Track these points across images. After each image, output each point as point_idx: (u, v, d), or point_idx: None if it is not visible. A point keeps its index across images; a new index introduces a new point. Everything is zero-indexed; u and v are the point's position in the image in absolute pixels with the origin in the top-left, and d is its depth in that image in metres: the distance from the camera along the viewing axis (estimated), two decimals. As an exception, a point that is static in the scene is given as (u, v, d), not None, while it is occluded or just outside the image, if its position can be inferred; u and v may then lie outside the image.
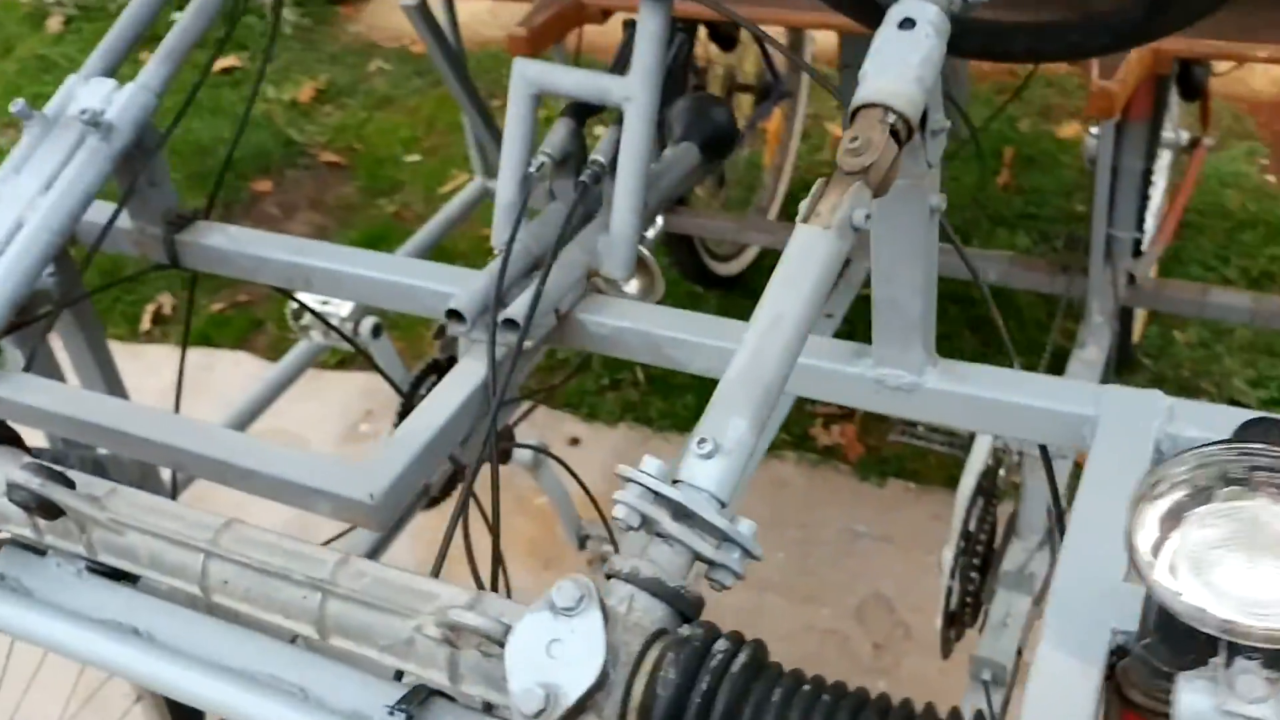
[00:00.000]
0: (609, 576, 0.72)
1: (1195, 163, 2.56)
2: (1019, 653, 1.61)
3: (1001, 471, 1.76)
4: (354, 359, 2.93)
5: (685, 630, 0.68)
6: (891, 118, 0.84)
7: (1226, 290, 2.32)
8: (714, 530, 0.73)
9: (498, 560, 1.03)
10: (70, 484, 0.80)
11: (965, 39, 0.92)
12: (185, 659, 0.81)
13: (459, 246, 3.24)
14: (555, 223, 1.19)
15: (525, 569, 2.39)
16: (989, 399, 1.02)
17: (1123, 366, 2.66)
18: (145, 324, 3.13)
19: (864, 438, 2.68)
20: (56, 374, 1.36)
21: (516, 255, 1.14)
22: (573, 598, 0.65)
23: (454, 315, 1.11)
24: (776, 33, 2.84)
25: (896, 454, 2.61)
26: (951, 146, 2.62)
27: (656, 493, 0.72)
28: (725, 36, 2.48)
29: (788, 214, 3.27)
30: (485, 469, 1.03)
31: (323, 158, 3.69)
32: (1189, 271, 2.98)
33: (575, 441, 2.75)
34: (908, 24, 0.88)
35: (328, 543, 1.62)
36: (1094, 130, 2.31)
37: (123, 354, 1.61)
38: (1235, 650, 0.60)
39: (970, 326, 2.81)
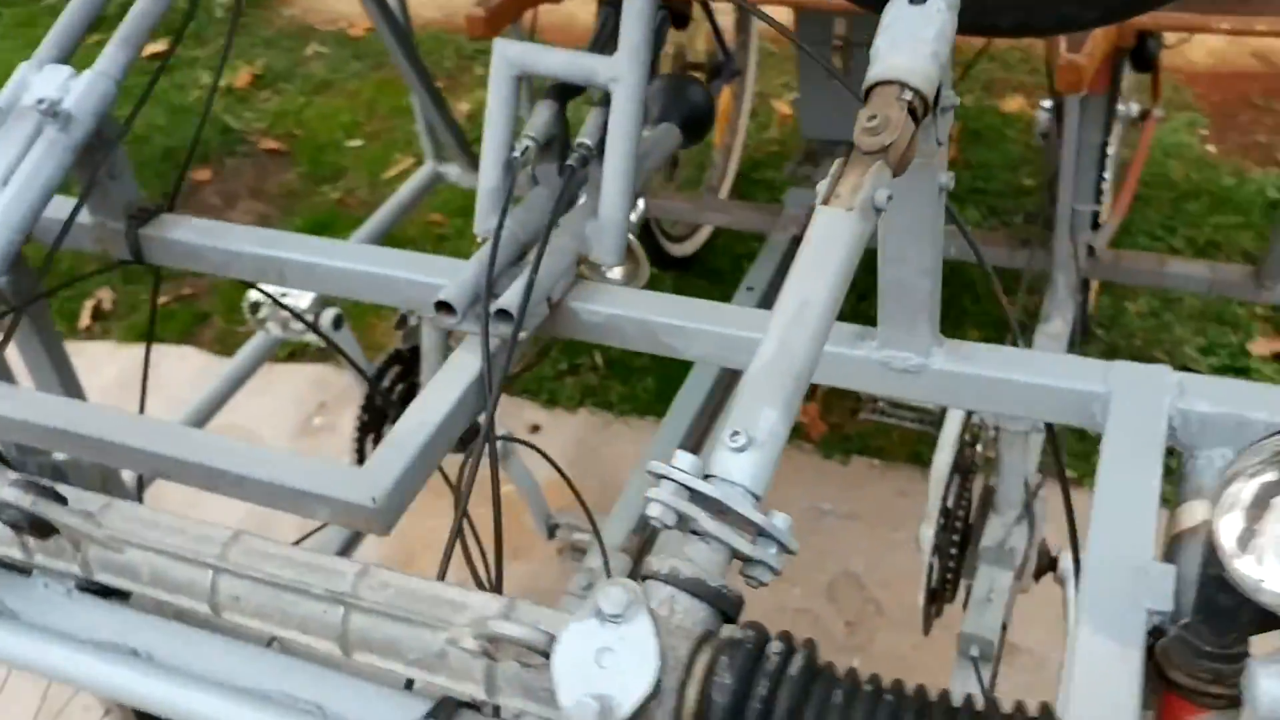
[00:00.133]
0: (644, 578, 0.69)
1: (1146, 134, 2.58)
2: (1004, 628, 1.61)
3: (979, 447, 1.76)
4: (304, 351, 2.87)
5: (734, 632, 0.65)
6: (908, 95, 0.82)
7: (1184, 260, 2.35)
8: (750, 525, 0.70)
9: (500, 559, 1.00)
10: (62, 499, 0.76)
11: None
12: (190, 679, 0.77)
13: (407, 233, 3.18)
14: (541, 208, 1.16)
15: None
16: (997, 379, 1.00)
17: (1079, 338, 2.69)
18: (85, 320, 3.03)
19: (826, 416, 2.68)
20: (7, 376, 1.30)
21: (504, 243, 1.11)
22: (620, 603, 0.62)
23: (443, 307, 1.07)
24: (724, 9, 2.82)
25: (860, 431, 2.61)
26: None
27: (691, 489, 0.70)
28: (679, 14, 2.45)
29: (739, 193, 3.25)
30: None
31: (262, 145, 3.59)
32: (1137, 242, 3.02)
33: (536, 428, 2.72)
34: (919, -1, 0.85)
35: (297, 542, 1.58)
36: (1045, 104, 2.32)
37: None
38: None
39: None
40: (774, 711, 0.61)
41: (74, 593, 0.83)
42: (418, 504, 1.02)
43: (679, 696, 0.62)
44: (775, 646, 0.64)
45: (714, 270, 3.06)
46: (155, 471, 1.01)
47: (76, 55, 1.20)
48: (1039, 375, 0.99)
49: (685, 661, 0.63)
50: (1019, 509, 1.75)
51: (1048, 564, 1.82)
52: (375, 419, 1.97)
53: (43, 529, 0.75)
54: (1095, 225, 2.24)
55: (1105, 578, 0.81)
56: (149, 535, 0.75)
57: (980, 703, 0.62)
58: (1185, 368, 2.78)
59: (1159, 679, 0.76)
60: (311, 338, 1.86)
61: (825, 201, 0.80)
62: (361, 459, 2.00)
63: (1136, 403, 0.95)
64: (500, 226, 1.10)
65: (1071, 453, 2.43)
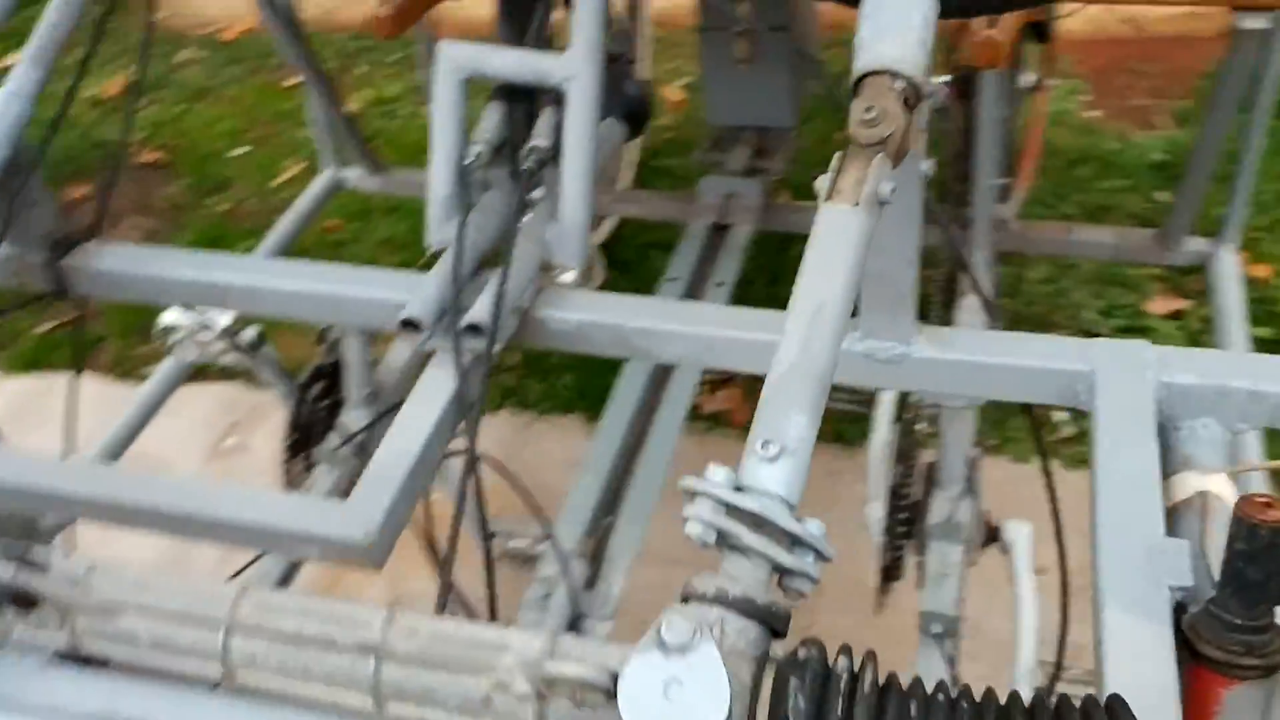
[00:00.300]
0: (686, 599, 0.67)
1: (1042, 103, 2.64)
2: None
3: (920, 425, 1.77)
4: (208, 370, 2.75)
5: (796, 651, 0.63)
6: (900, 84, 0.81)
7: (1090, 227, 2.40)
8: (788, 537, 0.69)
9: (491, 583, 0.97)
10: (43, 567, 0.69)
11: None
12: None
13: (302, 243, 3.07)
14: (499, 214, 1.12)
15: (427, 573, 2.29)
16: (981, 363, 1.00)
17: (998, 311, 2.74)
18: (-40, 354, 2.85)
19: (749, 400, 2.68)
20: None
21: (464, 253, 1.06)
22: (685, 633, 0.60)
23: (409, 325, 1.02)
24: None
25: (783, 414, 2.61)
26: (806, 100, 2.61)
27: (728, 504, 0.67)
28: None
29: (641, 182, 3.23)
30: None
31: (141, 157, 3.43)
32: (1032, 211, 3.08)
33: (456, 434, 2.66)
34: (902, -17, 0.84)
35: (235, 575, 1.50)
36: (943, 79, 2.35)
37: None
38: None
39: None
40: (853, 732, 0.59)
41: (50, 663, 0.77)
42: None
43: (751, 724, 0.60)
44: (842, 663, 0.62)
45: (622, 261, 3.03)
46: (111, 519, 0.94)
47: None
48: (1022, 358, 1.00)
49: (750, 687, 0.61)
50: (962, 484, 1.77)
51: (990, 535, 1.85)
52: (304, 438, 1.90)
53: (25, 601, 0.68)
54: (1003, 198, 2.28)
55: (1122, 558, 0.81)
56: (145, 598, 0.69)
57: (1052, 701, 0.62)
58: (1087, 331, 2.87)
59: (1188, 653, 0.77)
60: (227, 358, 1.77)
61: (828, 198, 0.78)
62: (290, 481, 1.92)
63: (1122, 379, 0.95)
64: (462, 237, 1.06)
65: (988, 420, 2.48)
